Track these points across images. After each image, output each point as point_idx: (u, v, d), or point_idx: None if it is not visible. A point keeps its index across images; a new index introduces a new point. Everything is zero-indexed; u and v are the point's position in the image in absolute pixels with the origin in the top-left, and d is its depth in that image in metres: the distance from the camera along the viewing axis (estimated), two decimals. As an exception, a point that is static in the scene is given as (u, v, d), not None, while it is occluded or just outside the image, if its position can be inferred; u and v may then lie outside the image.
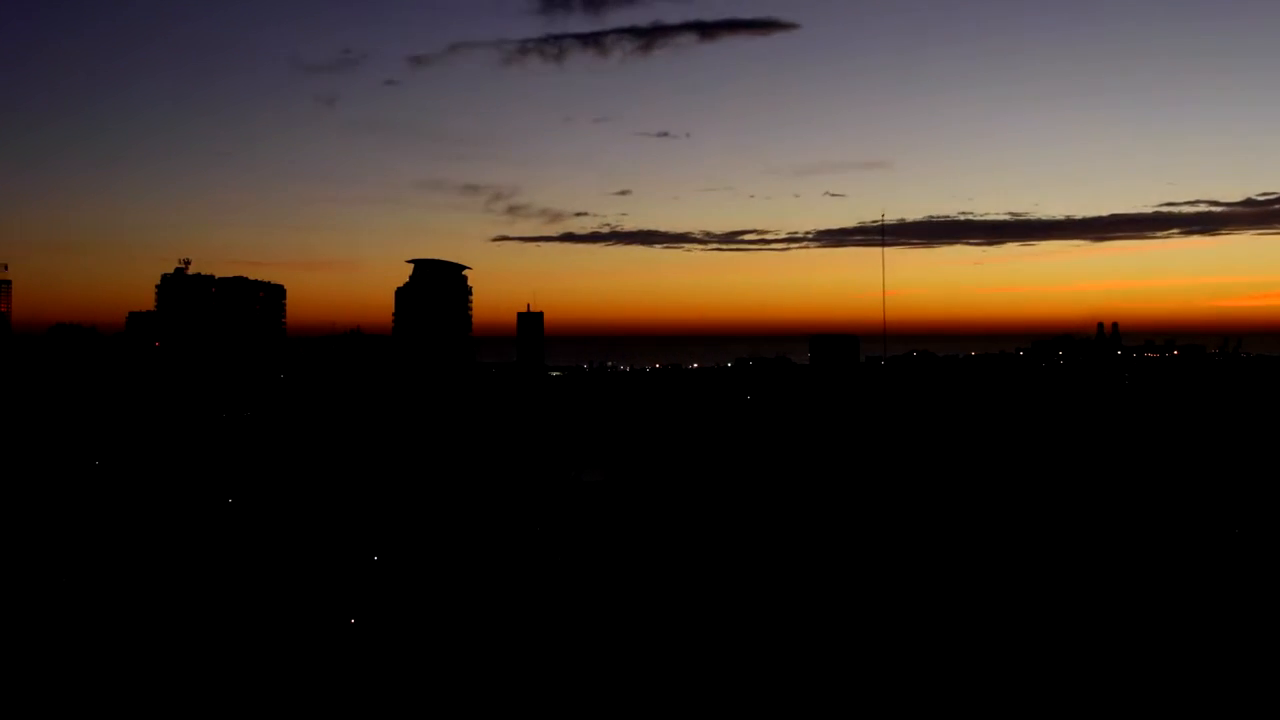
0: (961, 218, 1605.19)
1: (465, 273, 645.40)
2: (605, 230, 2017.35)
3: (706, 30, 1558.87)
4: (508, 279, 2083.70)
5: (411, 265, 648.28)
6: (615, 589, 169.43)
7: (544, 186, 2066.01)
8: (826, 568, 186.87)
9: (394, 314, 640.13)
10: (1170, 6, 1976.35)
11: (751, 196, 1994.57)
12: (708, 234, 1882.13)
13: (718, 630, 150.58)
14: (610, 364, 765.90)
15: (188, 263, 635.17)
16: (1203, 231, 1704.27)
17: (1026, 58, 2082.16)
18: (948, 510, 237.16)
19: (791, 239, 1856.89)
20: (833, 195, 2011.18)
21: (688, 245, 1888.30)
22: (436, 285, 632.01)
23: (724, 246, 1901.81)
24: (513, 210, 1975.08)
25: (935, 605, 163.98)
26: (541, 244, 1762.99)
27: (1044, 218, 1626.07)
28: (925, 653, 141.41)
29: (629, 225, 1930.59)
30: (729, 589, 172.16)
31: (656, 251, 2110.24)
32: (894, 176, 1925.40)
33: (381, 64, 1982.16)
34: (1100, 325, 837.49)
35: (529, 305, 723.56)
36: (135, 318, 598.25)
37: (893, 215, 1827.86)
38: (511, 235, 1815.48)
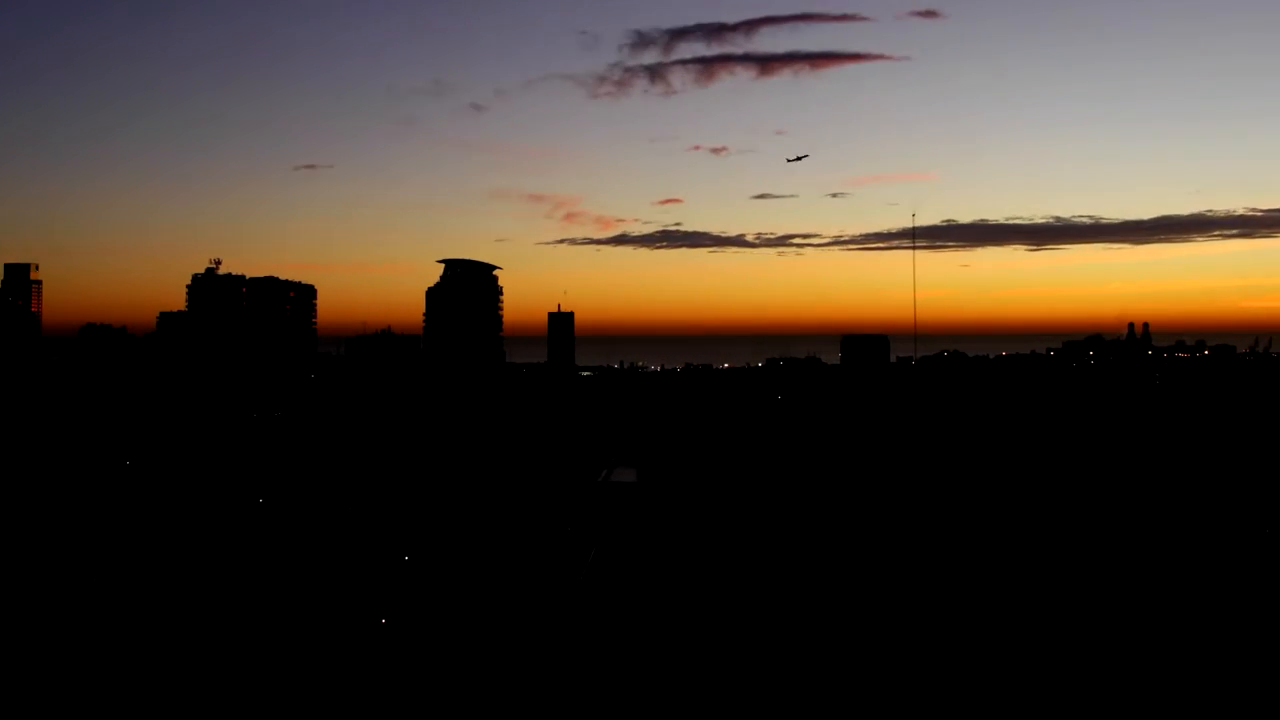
0: (1007, 223, 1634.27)
1: (496, 273, 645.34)
2: (655, 233, 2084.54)
3: (765, 63, 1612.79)
4: (557, 280, 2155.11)
5: (442, 265, 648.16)
6: (646, 590, 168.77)
7: (601, 196, 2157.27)
8: (857, 568, 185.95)
9: (425, 314, 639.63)
10: (1212, 12, 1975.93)
11: (795, 197, 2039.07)
12: (760, 236, 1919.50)
13: (746, 632, 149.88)
14: (640, 364, 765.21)
15: (218, 262, 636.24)
16: (1239, 235, 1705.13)
17: (1068, 64, 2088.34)
18: (980, 509, 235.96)
19: (836, 241, 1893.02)
20: (888, 203, 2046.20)
21: (735, 248, 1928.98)
22: (467, 285, 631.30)
23: (774, 248, 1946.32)
24: (570, 217, 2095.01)
25: (968, 605, 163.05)
26: (594, 246, 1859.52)
27: (1083, 221, 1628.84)
28: (958, 651, 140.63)
29: (679, 229, 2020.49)
30: (759, 591, 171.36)
31: (701, 254, 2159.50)
32: (941, 183, 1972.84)
33: (469, 92, 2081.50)
34: (1131, 325, 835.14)
35: (559, 305, 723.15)
36: (166, 318, 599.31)
37: (936, 220, 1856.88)
38: (566, 238, 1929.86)
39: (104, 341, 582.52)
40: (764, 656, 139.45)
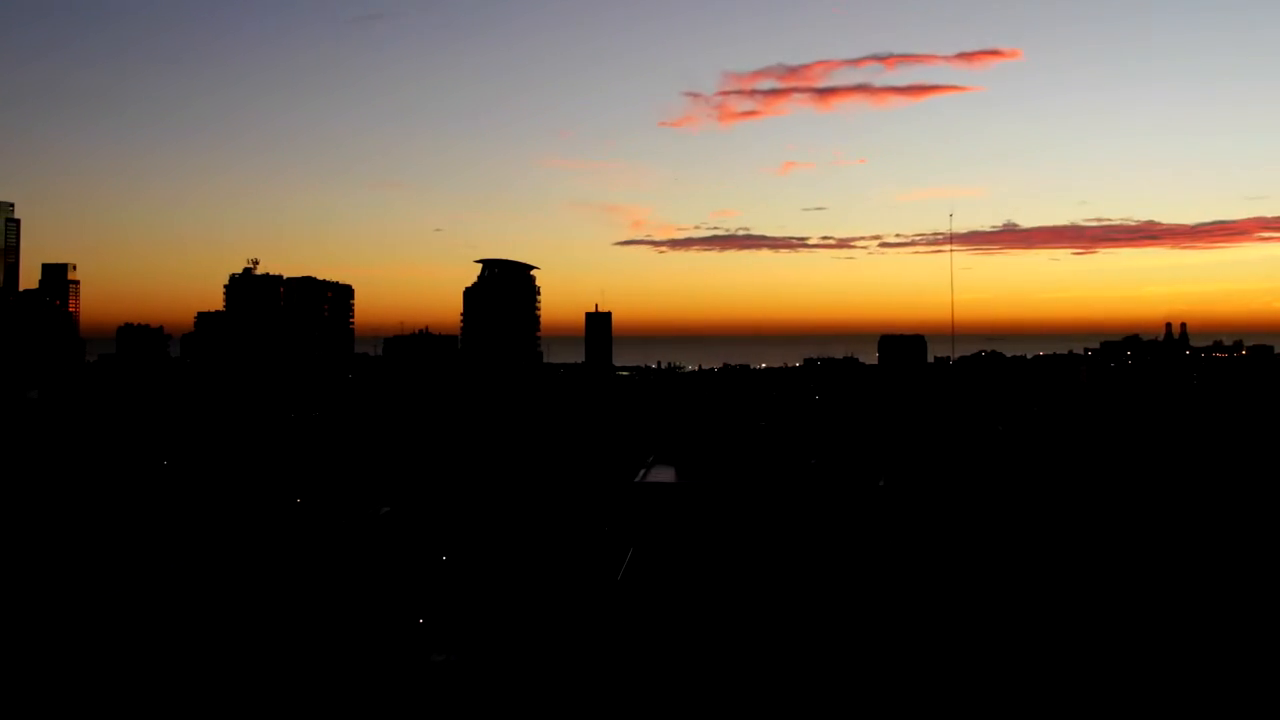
0: (1052, 227, 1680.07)
1: (533, 273, 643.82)
2: (707, 237, 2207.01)
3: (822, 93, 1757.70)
4: (613, 282, 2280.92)
5: (480, 265, 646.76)
6: (682, 593, 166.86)
7: (672, 206, 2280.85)
8: (892, 572, 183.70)
9: (462, 314, 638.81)
10: (1257, 15, 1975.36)
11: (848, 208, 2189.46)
12: (826, 238, 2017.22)
13: (778, 637, 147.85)
14: (678, 364, 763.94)
15: (256, 262, 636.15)
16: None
17: (1117, 70, 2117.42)
18: (1018, 510, 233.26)
19: (881, 244, 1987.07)
20: (937, 212, 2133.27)
21: (783, 249, 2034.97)
22: (504, 285, 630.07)
23: (819, 250, 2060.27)
24: (637, 224, 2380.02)
25: (1008, 611, 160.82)
26: (647, 248, 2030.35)
27: (1126, 225, 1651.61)
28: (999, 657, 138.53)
29: (730, 234, 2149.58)
30: (797, 594, 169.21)
31: (747, 256, 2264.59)
32: (990, 193, 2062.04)
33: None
34: (1168, 325, 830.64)
35: (597, 306, 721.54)
36: (204, 318, 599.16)
37: (983, 225, 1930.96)
38: (634, 240, 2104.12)
39: (141, 342, 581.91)
40: (794, 661, 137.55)
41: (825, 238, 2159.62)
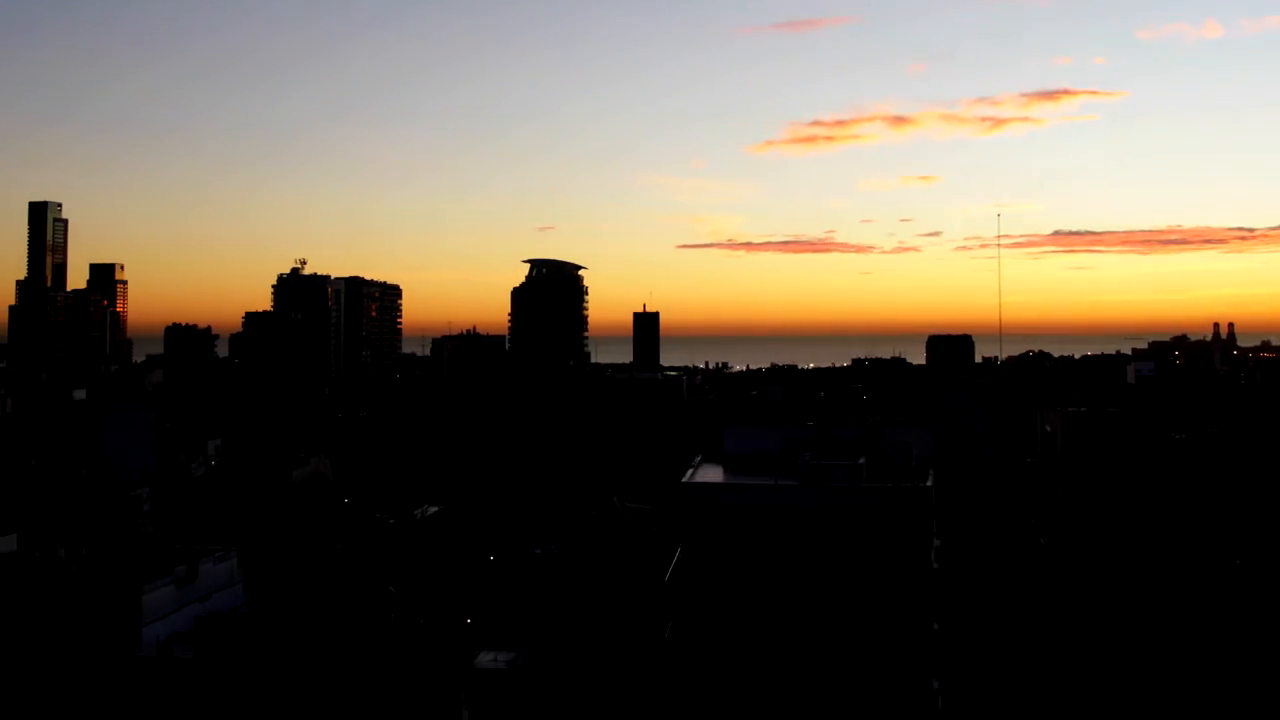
0: (1108, 231, 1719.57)
1: (580, 273, 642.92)
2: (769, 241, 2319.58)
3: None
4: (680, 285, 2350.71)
5: (528, 265, 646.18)
6: (727, 593, 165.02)
7: (735, 214, 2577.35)
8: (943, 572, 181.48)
9: (510, 314, 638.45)
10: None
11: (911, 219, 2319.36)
12: (893, 241, 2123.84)
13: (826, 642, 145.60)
14: (725, 364, 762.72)
15: (304, 262, 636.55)
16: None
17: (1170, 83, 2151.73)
18: (1063, 512, 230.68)
19: (933, 243, 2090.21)
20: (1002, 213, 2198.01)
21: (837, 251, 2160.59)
22: (552, 285, 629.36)
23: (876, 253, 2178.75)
24: (697, 229, 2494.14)
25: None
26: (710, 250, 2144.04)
27: (1177, 228, 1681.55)
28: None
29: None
30: (843, 596, 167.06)
31: (791, 258, 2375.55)
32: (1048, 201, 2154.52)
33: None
34: (1216, 326, 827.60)
35: (644, 306, 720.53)
36: (251, 318, 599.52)
37: (1041, 230, 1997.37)
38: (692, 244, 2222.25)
39: (189, 341, 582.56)
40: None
41: (886, 241, 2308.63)
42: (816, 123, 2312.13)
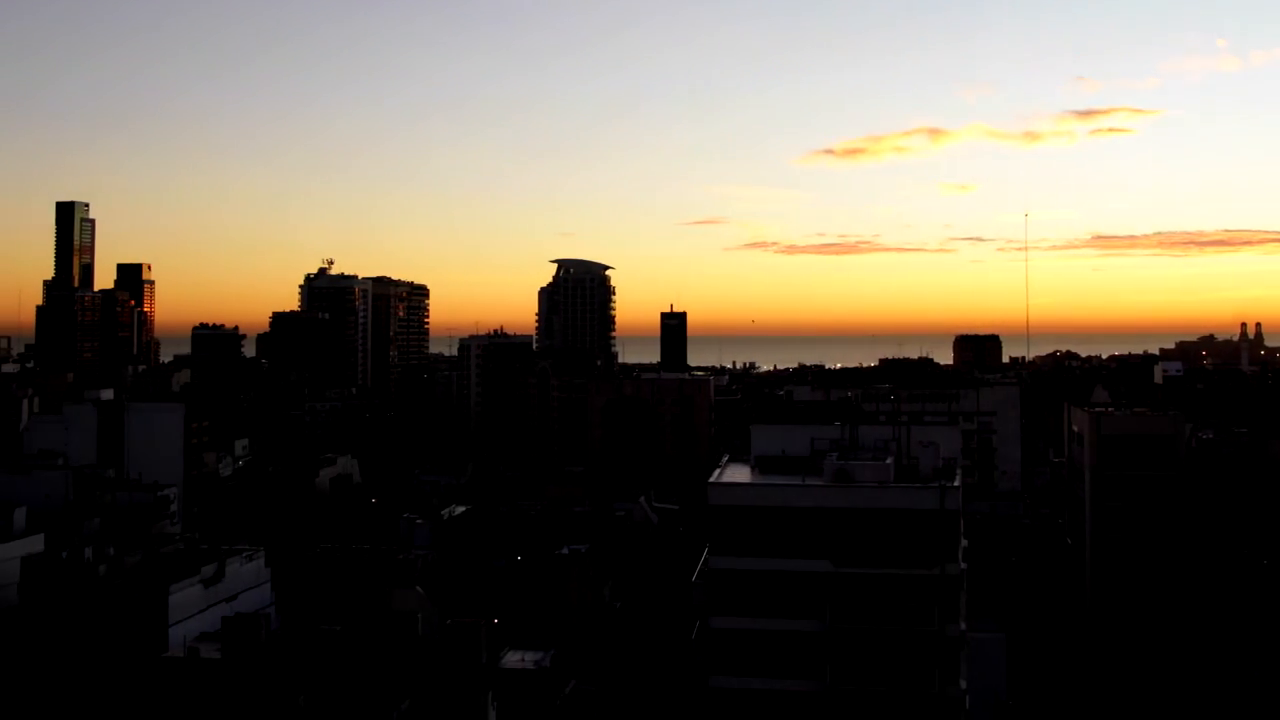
0: (1140, 234, 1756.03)
1: (607, 273, 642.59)
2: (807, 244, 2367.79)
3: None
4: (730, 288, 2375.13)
5: (555, 265, 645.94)
6: (754, 592, 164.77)
7: (776, 222, 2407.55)
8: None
9: (537, 314, 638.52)
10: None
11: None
12: (927, 244, 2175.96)
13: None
14: (752, 365, 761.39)
15: (331, 263, 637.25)
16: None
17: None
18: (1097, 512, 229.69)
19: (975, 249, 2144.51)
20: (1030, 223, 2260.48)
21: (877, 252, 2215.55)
22: (580, 285, 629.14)
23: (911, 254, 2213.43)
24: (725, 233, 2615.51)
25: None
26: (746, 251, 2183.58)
27: (1210, 231, 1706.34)
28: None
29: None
30: (870, 593, 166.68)
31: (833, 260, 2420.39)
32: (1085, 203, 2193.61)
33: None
34: (1243, 326, 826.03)
35: (672, 306, 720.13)
36: (279, 318, 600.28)
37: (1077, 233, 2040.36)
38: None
39: (216, 342, 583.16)
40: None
41: (920, 245, 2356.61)
42: (859, 137, 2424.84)
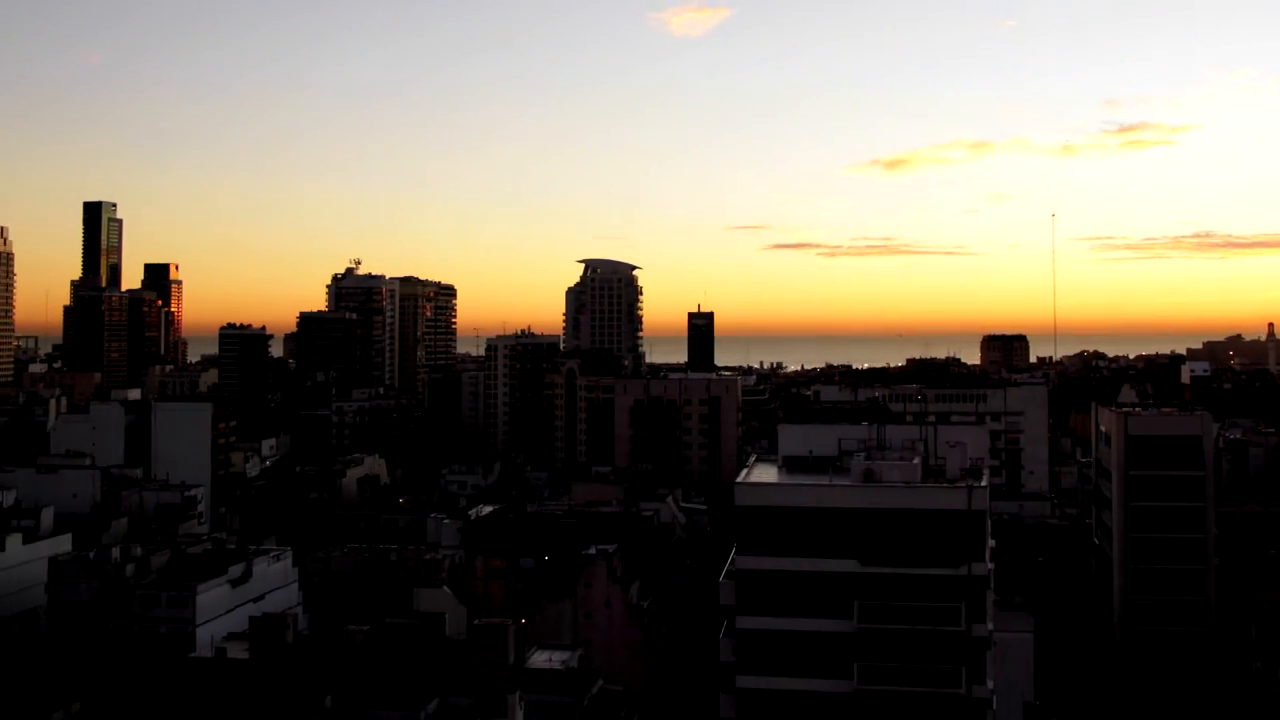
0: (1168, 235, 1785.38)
1: (635, 272, 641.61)
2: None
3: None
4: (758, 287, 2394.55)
5: (582, 265, 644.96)
6: (781, 591, 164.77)
7: (818, 228, 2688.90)
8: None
9: (564, 313, 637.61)
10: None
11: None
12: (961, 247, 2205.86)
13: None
14: (779, 365, 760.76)
15: (358, 263, 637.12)
16: None
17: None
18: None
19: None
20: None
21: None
22: (607, 284, 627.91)
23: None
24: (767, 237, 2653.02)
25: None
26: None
27: (1240, 234, 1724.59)
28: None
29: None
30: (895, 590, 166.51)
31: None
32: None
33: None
34: (1271, 326, 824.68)
35: (699, 306, 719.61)
36: (306, 318, 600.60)
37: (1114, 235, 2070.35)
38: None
39: (243, 342, 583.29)
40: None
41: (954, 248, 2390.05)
42: (902, 150, 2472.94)
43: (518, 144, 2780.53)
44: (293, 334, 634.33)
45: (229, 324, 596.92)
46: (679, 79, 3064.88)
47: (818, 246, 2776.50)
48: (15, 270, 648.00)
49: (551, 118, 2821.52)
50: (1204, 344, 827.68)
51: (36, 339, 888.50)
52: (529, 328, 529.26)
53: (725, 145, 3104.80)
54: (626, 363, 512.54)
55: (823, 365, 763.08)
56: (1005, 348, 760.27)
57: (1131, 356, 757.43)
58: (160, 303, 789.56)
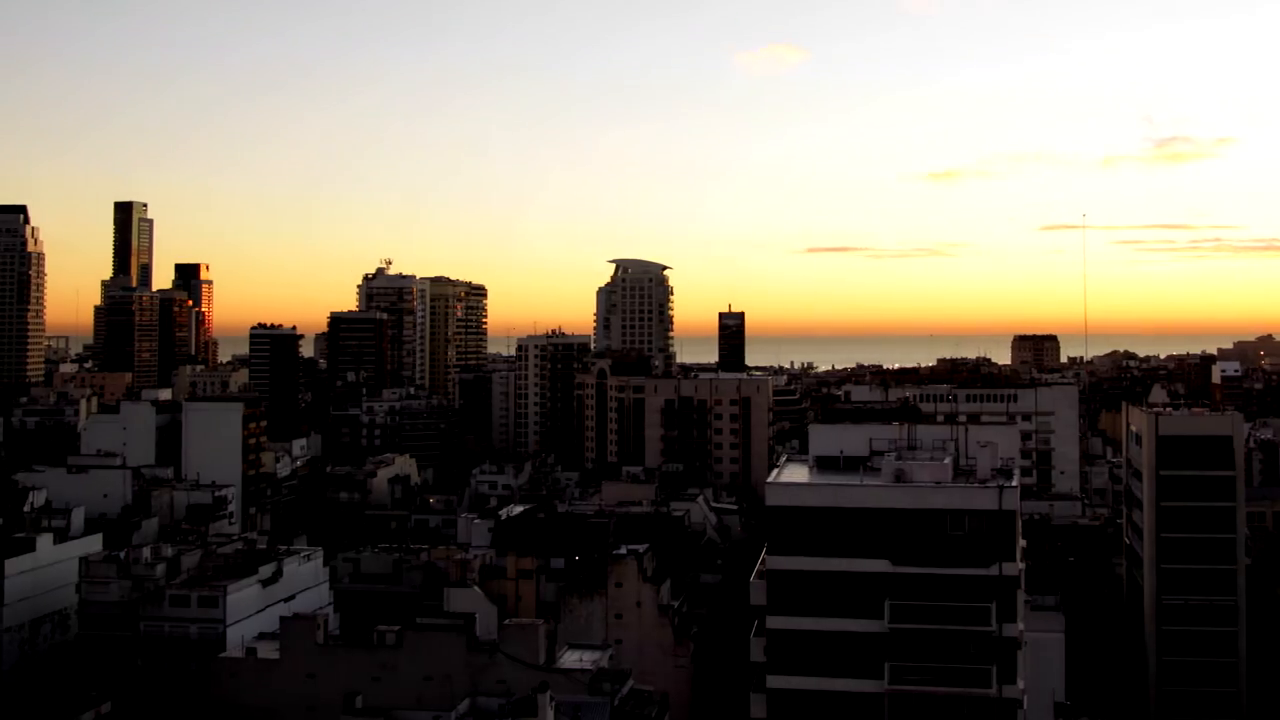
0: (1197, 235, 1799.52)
1: (666, 272, 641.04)
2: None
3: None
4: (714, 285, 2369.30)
5: (613, 265, 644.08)
6: (813, 593, 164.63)
7: (863, 234, 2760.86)
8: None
9: (595, 313, 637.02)
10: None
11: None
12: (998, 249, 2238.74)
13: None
14: (810, 365, 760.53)
15: (389, 263, 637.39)
16: None
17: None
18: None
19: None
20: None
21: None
22: (637, 284, 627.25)
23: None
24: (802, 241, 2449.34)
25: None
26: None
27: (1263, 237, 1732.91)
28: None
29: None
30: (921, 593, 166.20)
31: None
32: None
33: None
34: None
35: (730, 306, 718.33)
36: (336, 318, 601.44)
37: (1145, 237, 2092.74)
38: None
39: (273, 342, 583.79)
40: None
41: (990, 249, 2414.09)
42: (943, 160, 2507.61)
43: (551, 144, 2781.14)
44: (323, 334, 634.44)
45: (259, 324, 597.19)
46: (716, 82, 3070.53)
47: (867, 250, 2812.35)
48: (46, 270, 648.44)
49: (585, 118, 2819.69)
50: (1234, 344, 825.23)
51: (67, 339, 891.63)
52: (560, 328, 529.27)
53: (761, 148, 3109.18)
54: (657, 363, 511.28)
55: (853, 365, 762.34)
56: (1036, 348, 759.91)
57: (1162, 357, 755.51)
58: (191, 303, 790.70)
